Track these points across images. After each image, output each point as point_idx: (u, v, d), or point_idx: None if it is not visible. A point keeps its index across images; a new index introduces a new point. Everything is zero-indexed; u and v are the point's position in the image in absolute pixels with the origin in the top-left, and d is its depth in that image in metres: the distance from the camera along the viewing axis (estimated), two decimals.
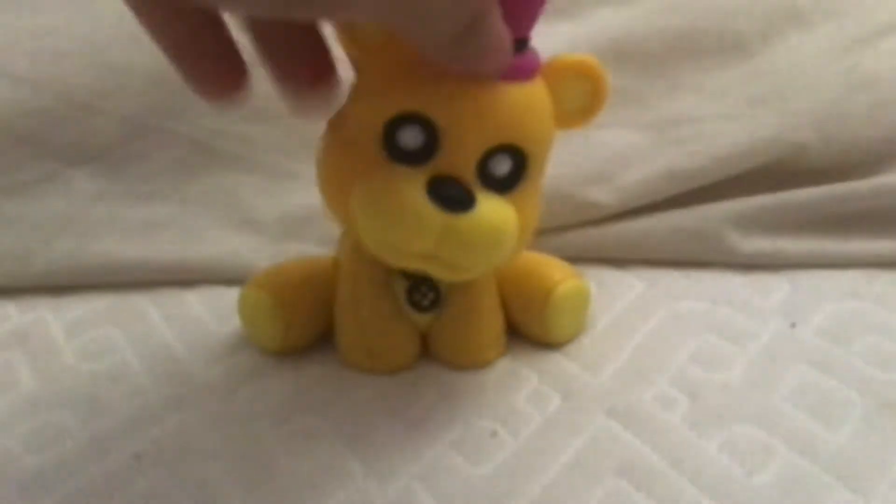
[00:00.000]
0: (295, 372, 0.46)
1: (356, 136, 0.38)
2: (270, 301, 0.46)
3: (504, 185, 0.39)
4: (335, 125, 0.40)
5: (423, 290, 0.44)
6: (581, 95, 0.40)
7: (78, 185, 0.59)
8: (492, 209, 0.37)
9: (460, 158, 0.37)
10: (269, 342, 0.47)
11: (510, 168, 0.38)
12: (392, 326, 0.45)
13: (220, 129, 0.58)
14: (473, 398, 0.44)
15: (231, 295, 0.52)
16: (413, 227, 0.36)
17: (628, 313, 0.49)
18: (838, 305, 0.50)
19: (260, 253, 0.55)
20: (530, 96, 0.38)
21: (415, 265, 0.39)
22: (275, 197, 0.57)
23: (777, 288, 0.51)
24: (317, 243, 0.55)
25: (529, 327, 0.47)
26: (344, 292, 0.45)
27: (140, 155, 0.58)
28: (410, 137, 0.37)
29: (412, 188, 0.36)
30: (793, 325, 0.48)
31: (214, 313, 0.51)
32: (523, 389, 0.44)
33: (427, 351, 0.46)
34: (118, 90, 0.57)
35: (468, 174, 0.38)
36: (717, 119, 0.55)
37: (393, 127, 0.37)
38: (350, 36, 0.38)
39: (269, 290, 0.46)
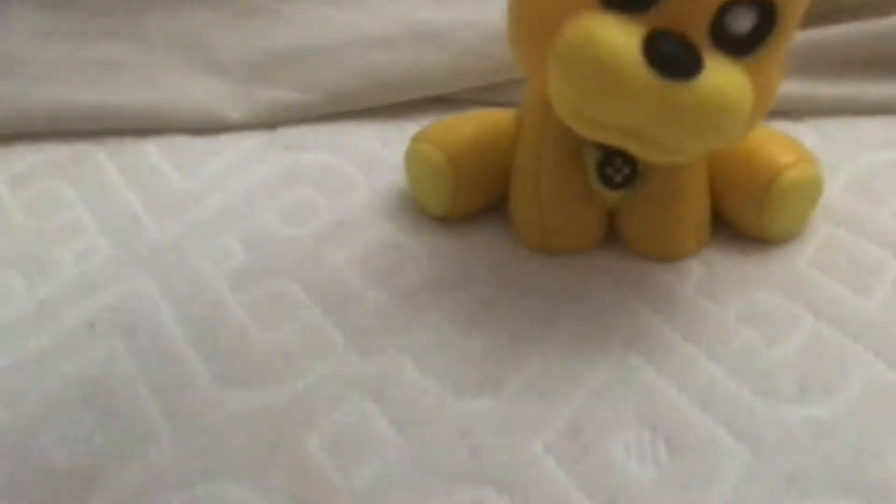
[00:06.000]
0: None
1: None
2: (442, 159, 0.39)
3: (743, 47, 0.31)
4: None
5: (617, 164, 0.37)
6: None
7: (22, 21, 0.52)
8: (723, 78, 0.30)
9: (692, 7, 0.30)
10: (435, 206, 0.41)
11: (754, 23, 0.31)
12: (576, 205, 0.38)
13: None
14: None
15: (196, 145, 0.48)
16: (619, 93, 0.29)
17: None
18: (870, 156, 0.45)
19: (226, 99, 0.49)
20: None
21: (614, 140, 0.32)
22: (242, 36, 0.50)
23: (803, 137, 0.46)
24: (292, 89, 0.49)
25: (742, 218, 0.39)
26: (525, 159, 0.39)
27: None
28: None
29: (624, 42, 0.29)
30: None
31: (176, 165, 0.46)
32: None
33: (613, 233, 0.40)
34: None
35: (699, 30, 0.30)
36: None
37: None
38: None
39: (442, 147, 0.39)
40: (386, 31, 0.49)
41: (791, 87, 0.46)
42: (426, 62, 0.48)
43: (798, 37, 0.47)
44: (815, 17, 0.48)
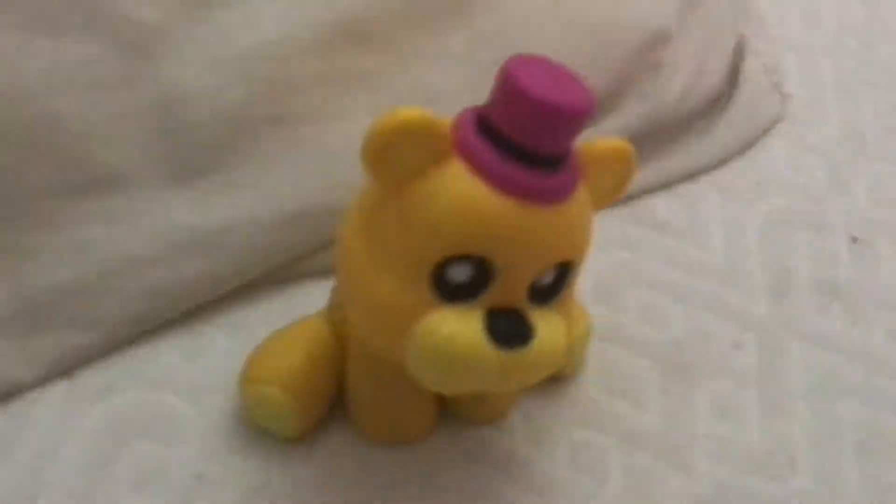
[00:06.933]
0: None
1: (404, 272, 0.36)
2: (282, 396, 0.42)
3: (549, 295, 0.38)
4: (375, 255, 0.37)
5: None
6: (612, 175, 0.39)
7: None
8: (549, 334, 0.37)
9: (514, 287, 0.36)
10: (285, 433, 0.44)
11: (554, 278, 0.37)
12: (412, 401, 0.43)
13: None
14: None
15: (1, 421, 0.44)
16: (476, 375, 0.36)
17: None
18: (607, 258, 0.54)
19: (8, 359, 0.46)
20: (575, 209, 0.37)
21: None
22: (4, 284, 0.47)
23: None
24: (76, 330, 0.47)
25: None
26: (357, 372, 0.43)
27: None
28: (461, 273, 0.36)
29: (472, 334, 0.35)
30: None
31: None
32: None
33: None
34: None
35: (520, 297, 0.36)
36: (453, 93, 0.54)
37: (443, 266, 0.35)
38: (384, 166, 0.36)
39: (279, 385, 0.42)
40: (154, 246, 0.49)
41: None
42: (210, 269, 0.49)
43: None
44: None
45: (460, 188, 0.35)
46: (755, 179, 0.60)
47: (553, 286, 0.38)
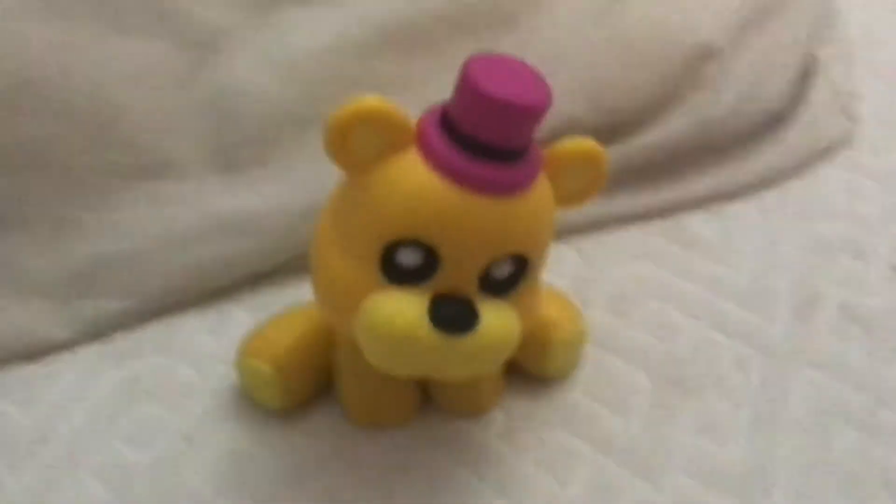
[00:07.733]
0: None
1: (358, 252, 0.38)
2: (269, 371, 0.45)
3: (505, 288, 0.39)
4: (335, 234, 0.39)
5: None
6: (581, 176, 0.40)
7: None
8: (495, 323, 0.37)
9: (462, 276, 0.37)
10: (271, 405, 0.47)
11: (511, 272, 0.39)
12: (392, 388, 0.45)
13: None
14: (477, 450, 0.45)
15: (27, 372, 0.49)
16: (416, 357, 0.37)
17: None
18: (623, 271, 0.54)
19: (48, 319, 0.51)
20: (531, 204, 0.38)
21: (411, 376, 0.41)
22: (56, 252, 0.53)
23: (564, 258, 0.54)
24: (113, 298, 0.52)
25: (527, 367, 0.47)
26: (342, 356, 0.46)
27: None
28: (409, 257, 0.37)
29: (413, 316, 0.36)
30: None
31: (13, 400, 0.48)
32: None
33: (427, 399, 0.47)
34: None
35: (471, 285, 0.38)
36: None
37: (392, 249, 0.37)
38: (343, 150, 0.37)
39: (267, 360, 0.45)
40: (194, 227, 0.53)
41: None
42: (242, 250, 0.53)
43: None
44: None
45: (410, 175, 0.37)
46: (803, 202, 0.58)
47: (509, 279, 0.39)
